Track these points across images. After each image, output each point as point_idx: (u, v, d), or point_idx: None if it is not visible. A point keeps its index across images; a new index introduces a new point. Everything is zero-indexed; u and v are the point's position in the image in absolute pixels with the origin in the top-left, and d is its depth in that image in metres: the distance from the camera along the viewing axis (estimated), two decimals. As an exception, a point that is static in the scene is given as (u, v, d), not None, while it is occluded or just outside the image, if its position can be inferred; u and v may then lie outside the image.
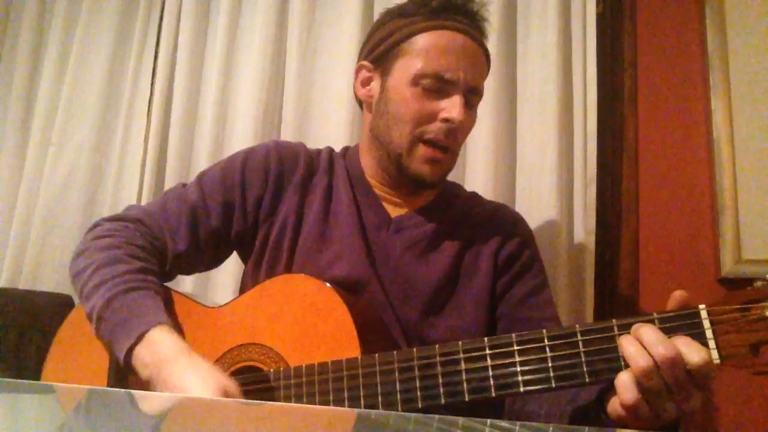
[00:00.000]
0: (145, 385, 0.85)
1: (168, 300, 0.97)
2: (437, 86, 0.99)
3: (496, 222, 1.09)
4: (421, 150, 1.00)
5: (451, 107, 0.98)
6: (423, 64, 0.99)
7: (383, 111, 1.03)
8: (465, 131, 1.06)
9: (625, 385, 0.67)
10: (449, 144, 1.01)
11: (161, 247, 1.03)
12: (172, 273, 1.04)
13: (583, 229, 1.45)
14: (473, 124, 1.08)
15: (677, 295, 0.71)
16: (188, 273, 1.16)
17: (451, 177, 1.46)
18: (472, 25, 1.04)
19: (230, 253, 1.13)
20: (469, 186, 1.49)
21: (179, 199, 1.06)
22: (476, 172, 1.49)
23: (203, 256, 1.08)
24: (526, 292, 1.05)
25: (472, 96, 1.03)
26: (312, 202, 1.06)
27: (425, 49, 1.00)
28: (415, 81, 0.99)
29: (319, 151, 1.14)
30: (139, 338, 0.85)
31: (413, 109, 0.99)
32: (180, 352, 0.83)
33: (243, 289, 1.06)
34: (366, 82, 1.08)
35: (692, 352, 0.65)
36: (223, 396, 0.79)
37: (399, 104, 1.01)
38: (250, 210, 1.06)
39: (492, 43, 1.49)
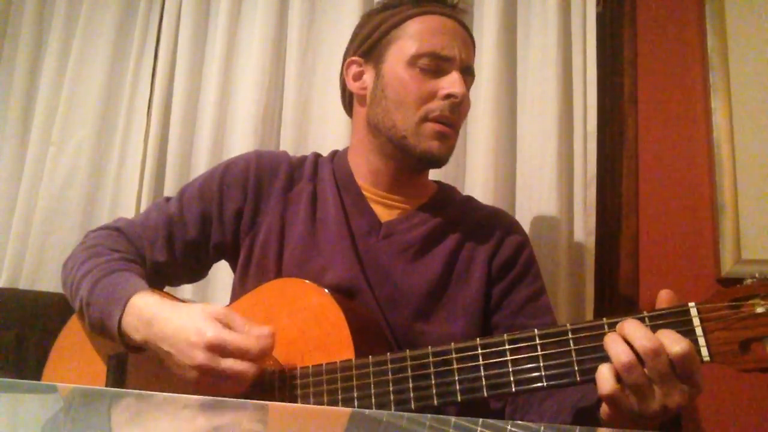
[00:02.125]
0: (142, 380, 0.85)
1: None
2: (435, 65, 1.00)
3: (491, 227, 1.08)
4: (429, 126, 0.99)
5: (452, 83, 0.99)
6: (418, 45, 1.00)
7: (381, 97, 1.02)
8: (465, 110, 1.05)
9: (604, 378, 0.67)
10: (454, 120, 1.01)
11: (140, 255, 1.05)
12: (155, 281, 1.04)
13: (583, 229, 1.45)
14: (469, 106, 1.08)
15: (664, 295, 0.71)
16: (172, 284, 1.16)
17: (450, 177, 1.47)
18: (455, 12, 1.06)
19: (211, 264, 1.13)
20: (469, 186, 1.49)
21: (160, 212, 1.08)
22: (476, 172, 1.49)
23: (183, 267, 1.08)
24: (524, 299, 1.03)
25: (466, 76, 1.03)
26: (296, 211, 1.05)
27: (418, 32, 1.01)
28: (412, 62, 1.00)
29: (303, 158, 1.13)
30: (124, 308, 0.88)
31: (414, 90, 0.99)
32: (163, 306, 0.86)
33: (233, 300, 1.05)
34: (358, 77, 1.08)
35: (673, 343, 0.65)
36: (214, 319, 0.80)
37: (398, 87, 1.00)
38: (229, 222, 1.06)
39: (492, 43, 1.50)
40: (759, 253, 1.39)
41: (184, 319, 0.82)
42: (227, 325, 0.81)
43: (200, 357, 0.78)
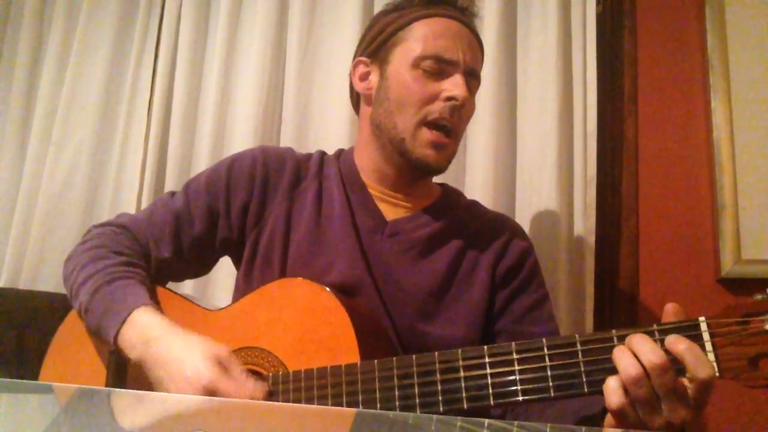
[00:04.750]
0: (141, 379, 0.85)
1: (165, 299, 0.98)
2: (438, 68, 0.99)
3: (496, 232, 1.07)
4: (425, 134, 0.99)
5: (454, 86, 0.98)
6: (422, 48, 1.00)
7: (384, 98, 1.03)
8: (467, 114, 1.05)
9: (612, 390, 0.67)
10: (454, 124, 1.00)
11: (145, 253, 1.04)
12: (159, 279, 1.03)
13: (583, 229, 1.45)
14: (473, 110, 1.08)
15: (670, 308, 0.71)
16: (177, 280, 1.16)
17: (450, 176, 1.47)
18: (464, 15, 1.06)
19: (217, 259, 1.12)
20: (469, 186, 1.49)
21: (165, 207, 1.07)
22: (476, 172, 1.49)
23: (189, 263, 1.08)
24: (528, 306, 1.03)
25: (471, 80, 1.02)
26: (302, 207, 1.05)
27: (423, 34, 1.01)
28: (416, 64, 1.00)
29: (309, 156, 1.13)
30: (124, 321, 0.86)
31: (415, 91, 0.99)
32: (165, 327, 0.85)
33: (236, 296, 1.05)
34: (364, 77, 1.08)
35: (699, 368, 0.64)
36: (216, 362, 0.79)
37: (401, 88, 1.01)
38: (235, 217, 1.05)
39: (492, 43, 1.50)
40: (759, 253, 1.39)
41: (184, 351, 0.81)
42: (226, 371, 0.80)
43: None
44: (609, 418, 0.70)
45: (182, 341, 0.83)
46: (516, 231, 1.11)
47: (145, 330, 0.85)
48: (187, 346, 0.82)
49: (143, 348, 0.84)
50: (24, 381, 0.87)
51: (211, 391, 0.77)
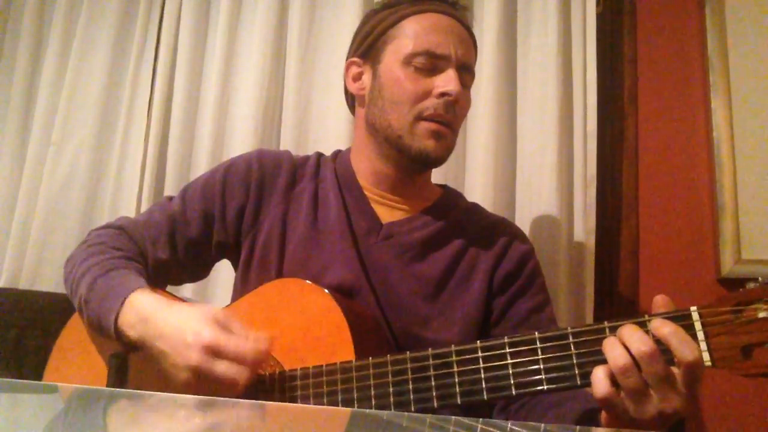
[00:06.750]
0: (142, 382, 0.85)
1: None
2: (430, 64, 0.99)
3: (495, 236, 1.06)
4: (423, 125, 0.98)
5: (447, 81, 0.98)
6: (413, 44, 0.99)
7: (377, 97, 1.02)
8: (462, 109, 1.04)
9: (598, 380, 0.67)
10: (449, 119, 0.99)
11: (143, 253, 1.04)
12: (157, 279, 1.03)
13: (583, 229, 1.45)
14: (469, 105, 1.07)
15: (660, 300, 0.71)
16: (175, 283, 1.16)
17: (451, 177, 1.47)
18: (455, 10, 1.05)
19: (214, 263, 1.13)
20: (469, 186, 1.49)
21: (162, 210, 1.08)
22: (476, 173, 1.49)
23: (185, 266, 1.08)
24: (527, 310, 1.01)
25: (464, 74, 1.01)
26: (298, 210, 1.05)
27: (414, 31, 1.01)
28: (407, 61, 0.99)
29: (306, 158, 1.13)
30: (122, 304, 0.87)
31: (408, 88, 0.98)
32: (161, 304, 0.86)
33: (234, 298, 1.05)
34: (357, 77, 1.08)
35: (685, 351, 0.64)
36: (213, 322, 0.79)
37: (393, 86, 1.00)
38: (231, 220, 1.05)
39: (492, 44, 1.50)
40: (759, 253, 1.39)
41: (182, 319, 0.82)
42: (226, 329, 0.80)
43: (195, 358, 0.77)
44: (603, 413, 0.70)
45: (178, 312, 0.84)
46: (516, 234, 1.09)
47: (143, 309, 0.86)
48: (183, 315, 0.82)
49: (142, 326, 0.84)
50: (24, 381, 0.87)
51: (213, 350, 0.77)
